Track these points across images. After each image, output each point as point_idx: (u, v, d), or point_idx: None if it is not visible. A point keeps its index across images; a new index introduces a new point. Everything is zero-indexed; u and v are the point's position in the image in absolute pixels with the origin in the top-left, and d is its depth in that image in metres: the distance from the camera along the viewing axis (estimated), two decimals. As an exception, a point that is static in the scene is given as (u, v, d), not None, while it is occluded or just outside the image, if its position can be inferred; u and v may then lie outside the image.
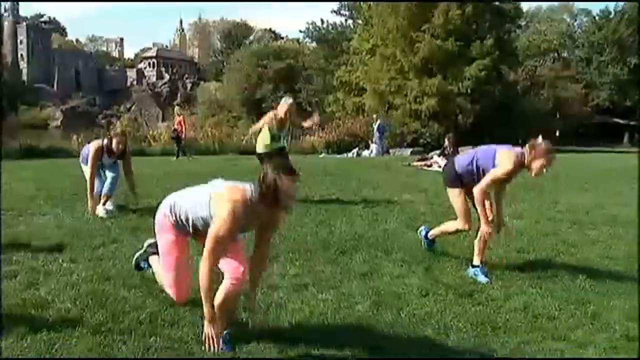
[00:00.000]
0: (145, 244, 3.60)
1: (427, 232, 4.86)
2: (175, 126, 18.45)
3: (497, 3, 35.84)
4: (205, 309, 2.84)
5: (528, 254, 5.09)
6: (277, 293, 3.75)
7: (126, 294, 3.56)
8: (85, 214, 6.08)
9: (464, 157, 4.55)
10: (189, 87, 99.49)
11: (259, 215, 2.88)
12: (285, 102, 7.36)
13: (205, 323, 2.87)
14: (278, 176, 2.72)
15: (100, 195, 6.33)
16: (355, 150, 22.13)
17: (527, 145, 4.14)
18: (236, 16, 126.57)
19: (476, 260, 4.33)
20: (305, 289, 3.88)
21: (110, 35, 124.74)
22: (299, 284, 3.98)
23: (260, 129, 7.15)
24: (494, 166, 4.18)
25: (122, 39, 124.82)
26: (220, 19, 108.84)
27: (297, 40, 71.96)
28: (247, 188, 2.85)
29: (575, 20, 63.30)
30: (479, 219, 4.31)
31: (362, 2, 48.46)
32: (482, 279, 4.22)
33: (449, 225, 4.65)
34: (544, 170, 4.11)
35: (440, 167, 11.54)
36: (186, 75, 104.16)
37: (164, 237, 3.14)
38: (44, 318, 3.12)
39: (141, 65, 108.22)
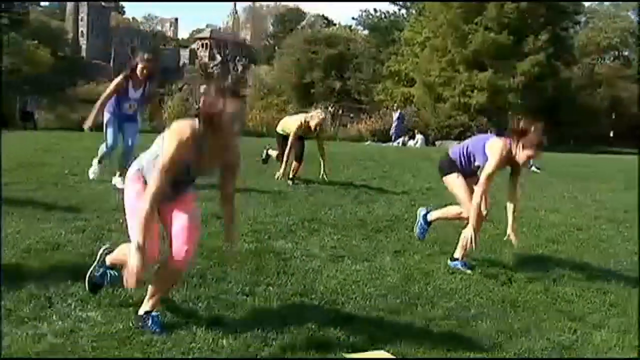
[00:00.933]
0: (99, 254, 3.19)
1: (426, 213, 4.70)
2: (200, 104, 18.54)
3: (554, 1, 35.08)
4: (139, 236, 2.61)
5: (557, 244, 5.28)
6: (315, 261, 4.09)
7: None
8: (93, 174, 6.41)
9: (456, 145, 4.57)
10: (240, 69, 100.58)
11: (209, 145, 2.71)
12: (318, 116, 7.46)
13: (133, 251, 2.62)
14: (218, 97, 2.62)
15: (112, 156, 6.26)
16: (400, 140, 22.21)
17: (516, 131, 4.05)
18: (289, 1, 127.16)
19: (457, 254, 4.33)
20: (341, 260, 4.20)
21: (166, 16, 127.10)
22: (336, 255, 4.31)
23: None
24: (483, 154, 4.14)
25: (176, 19, 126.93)
26: (274, 3, 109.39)
27: (349, 27, 71.87)
28: (195, 120, 2.71)
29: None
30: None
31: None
32: (464, 269, 4.24)
33: (451, 210, 4.52)
34: (530, 160, 4.18)
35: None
36: (238, 58, 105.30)
37: (131, 188, 2.87)
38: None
39: (194, 46, 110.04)
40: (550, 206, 7.23)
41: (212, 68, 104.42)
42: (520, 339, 3.10)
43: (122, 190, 3.05)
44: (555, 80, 33.51)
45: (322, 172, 7.38)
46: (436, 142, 25.91)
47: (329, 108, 30.87)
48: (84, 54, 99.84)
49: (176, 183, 2.76)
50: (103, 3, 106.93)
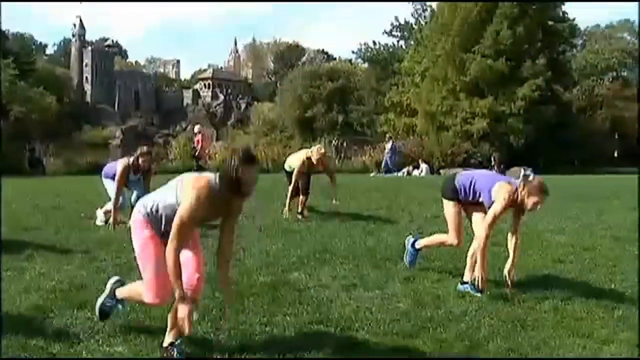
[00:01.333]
0: (108, 285, 3.43)
1: (414, 241, 4.92)
2: (195, 144, 18.33)
3: (550, 23, 35.62)
4: (176, 289, 2.83)
5: (564, 264, 5.39)
6: (328, 291, 4.22)
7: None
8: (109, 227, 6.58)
9: (466, 175, 4.68)
10: (242, 107, 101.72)
11: (222, 203, 2.96)
12: (319, 151, 7.77)
13: (178, 303, 2.85)
14: (238, 165, 2.82)
15: (125, 206, 6.74)
16: (405, 170, 22.42)
17: (520, 180, 4.17)
18: (289, 37, 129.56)
19: (466, 277, 4.50)
20: (354, 288, 4.34)
21: (167, 57, 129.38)
22: (348, 284, 4.44)
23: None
24: (488, 195, 4.27)
25: (178, 61, 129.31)
26: (273, 41, 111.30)
27: (350, 60, 73.02)
28: (211, 177, 2.96)
29: (637, 38, 61.43)
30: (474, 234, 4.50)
31: (414, 25, 49.05)
32: (474, 292, 4.35)
33: (439, 238, 4.75)
34: (537, 207, 4.19)
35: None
36: (240, 96, 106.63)
37: (140, 234, 3.09)
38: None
39: (197, 86, 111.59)
40: (555, 227, 7.35)
41: (215, 107, 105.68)
42: (529, 351, 3.20)
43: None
44: (556, 103, 33.73)
45: (333, 199, 7.64)
46: (441, 171, 26.02)
47: (332, 141, 31.23)
48: (88, 99, 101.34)
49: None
50: (107, 49, 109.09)
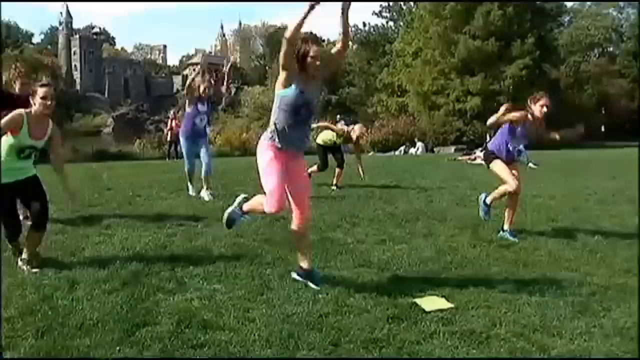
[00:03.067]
0: (237, 199, 4.26)
1: (485, 197, 5.92)
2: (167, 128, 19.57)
3: (538, 2, 36.46)
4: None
5: (556, 222, 6.38)
6: (364, 245, 5.17)
7: (247, 241, 5.03)
8: (198, 198, 7.61)
9: (493, 143, 5.84)
10: (233, 92, 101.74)
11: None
12: (360, 129, 9.05)
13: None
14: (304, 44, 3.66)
15: (198, 175, 7.72)
16: (402, 148, 23.37)
17: (528, 103, 5.54)
18: (277, 20, 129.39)
19: (506, 226, 5.63)
20: (384, 243, 5.28)
21: (154, 43, 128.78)
22: (378, 240, 5.38)
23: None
24: (509, 133, 5.59)
25: (165, 46, 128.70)
26: (261, 23, 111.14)
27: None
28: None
29: (622, 14, 62.32)
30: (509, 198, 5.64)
31: (404, 4, 49.61)
32: (511, 238, 5.49)
33: (501, 189, 5.70)
34: (544, 109, 5.43)
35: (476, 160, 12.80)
36: (230, 80, 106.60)
37: (265, 154, 3.79)
38: (206, 256, 4.58)
39: (186, 72, 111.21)
40: (547, 194, 8.34)
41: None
42: (532, 285, 4.16)
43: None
44: (544, 81, 34.74)
45: (360, 173, 8.76)
46: (435, 149, 27.02)
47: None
48: (78, 87, 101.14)
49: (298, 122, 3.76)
50: (94, 36, 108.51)
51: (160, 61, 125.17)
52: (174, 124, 19.41)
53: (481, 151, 15.53)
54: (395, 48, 42.41)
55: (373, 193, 8.14)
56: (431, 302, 3.69)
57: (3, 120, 4.11)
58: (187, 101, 7.83)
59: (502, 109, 5.49)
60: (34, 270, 4.14)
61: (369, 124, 33.18)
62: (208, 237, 5.27)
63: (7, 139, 4.19)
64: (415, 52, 37.22)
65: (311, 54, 3.68)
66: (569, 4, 58.50)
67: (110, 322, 3.22)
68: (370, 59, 53.50)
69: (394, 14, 53.18)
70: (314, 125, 8.85)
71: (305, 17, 3.54)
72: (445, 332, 3.21)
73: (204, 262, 4.42)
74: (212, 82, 8.19)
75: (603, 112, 53.16)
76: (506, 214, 5.70)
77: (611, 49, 61.88)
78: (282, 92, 3.74)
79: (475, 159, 14.82)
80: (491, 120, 5.54)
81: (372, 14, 54.70)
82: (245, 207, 4.19)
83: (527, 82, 32.71)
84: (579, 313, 3.59)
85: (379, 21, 55.50)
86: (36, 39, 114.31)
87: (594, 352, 3.03)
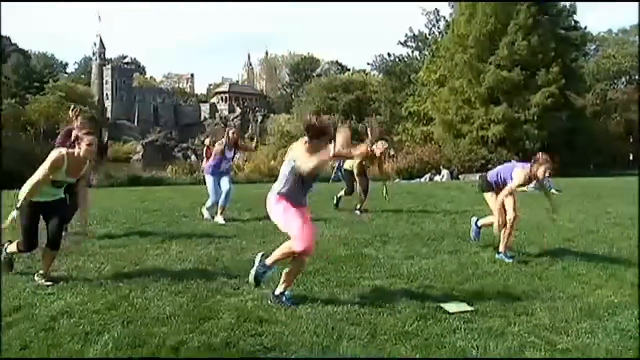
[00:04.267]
0: (257, 259, 4.37)
1: (477, 220, 6.56)
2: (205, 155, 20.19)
3: (563, 32, 36.88)
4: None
5: (571, 241, 6.84)
6: (394, 260, 5.71)
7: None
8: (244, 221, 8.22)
9: (492, 172, 6.32)
10: (259, 120, 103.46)
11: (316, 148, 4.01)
12: (383, 145, 9.51)
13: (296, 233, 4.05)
14: (311, 117, 4.15)
15: (218, 204, 8.27)
16: (427, 176, 23.82)
17: (532, 162, 5.83)
18: (303, 50, 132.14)
19: (500, 248, 5.99)
20: (412, 258, 5.82)
21: (182, 72, 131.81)
22: (407, 256, 5.92)
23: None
24: (511, 178, 5.87)
25: (192, 75, 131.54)
26: (288, 53, 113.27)
27: (364, 71, 74.57)
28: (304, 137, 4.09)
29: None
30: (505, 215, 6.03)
31: (428, 35, 50.46)
32: (506, 260, 5.83)
33: (489, 219, 6.32)
34: (547, 173, 5.74)
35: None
36: (256, 108, 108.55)
37: (277, 207, 4.16)
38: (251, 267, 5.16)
39: (214, 100, 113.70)
40: (567, 217, 8.77)
41: (232, 120, 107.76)
42: (546, 294, 4.65)
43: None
44: (569, 109, 34.91)
45: (384, 194, 9.22)
46: (460, 176, 27.39)
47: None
48: (109, 115, 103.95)
49: (304, 186, 4.18)
50: (126, 65, 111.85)
51: (188, 90, 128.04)
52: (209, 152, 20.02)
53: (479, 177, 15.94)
54: (420, 77, 43.07)
55: (400, 216, 8.68)
56: (454, 306, 4.22)
57: (47, 165, 4.60)
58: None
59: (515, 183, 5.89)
60: (47, 283, 4.59)
61: (395, 151, 33.82)
62: (254, 251, 5.85)
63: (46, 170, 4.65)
64: (440, 80, 37.84)
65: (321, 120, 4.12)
66: (594, 33, 58.78)
67: (181, 316, 3.83)
68: (395, 88, 54.24)
69: (419, 43, 54.02)
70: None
71: (321, 164, 4.01)
72: (466, 329, 3.74)
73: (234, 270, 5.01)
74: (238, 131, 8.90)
75: (631, 140, 52.81)
76: (501, 236, 6.02)
77: (638, 77, 61.63)
78: (297, 165, 4.07)
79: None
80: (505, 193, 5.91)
81: (397, 44, 55.62)
82: (269, 261, 4.32)
83: (553, 110, 33.02)
84: (585, 316, 4.08)
85: (404, 51, 56.32)
86: (70, 69, 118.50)
87: (594, 348, 3.52)
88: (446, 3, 48.32)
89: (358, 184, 9.33)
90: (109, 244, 6.15)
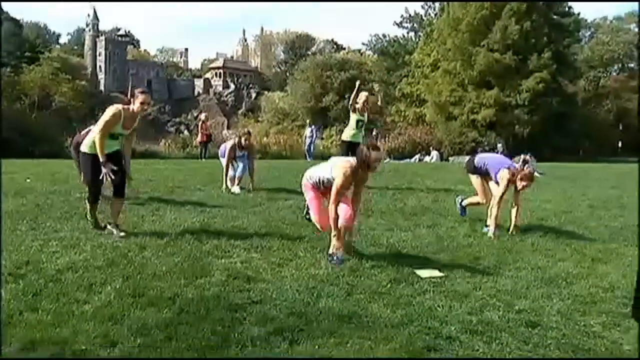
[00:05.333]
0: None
1: (462, 200, 7.04)
2: (200, 130, 20.54)
3: (556, 17, 37.13)
4: (333, 232, 4.83)
5: (545, 221, 7.25)
6: (376, 231, 6.09)
7: (277, 224, 5.98)
8: (224, 191, 8.56)
9: (480, 157, 6.76)
10: (253, 97, 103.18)
11: (359, 175, 4.91)
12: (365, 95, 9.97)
13: (334, 240, 4.86)
14: (368, 151, 4.80)
15: (235, 177, 8.82)
16: (417, 156, 24.20)
17: (519, 164, 6.42)
18: (298, 28, 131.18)
19: (488, 222, 6.47)
20: (392, 230, 6.21)
21: (176, 46, 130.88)
22: (388, 228, 6.31)
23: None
24: (495, 177, 6.38)
25: (186, 49, 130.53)
26: (283, 30, 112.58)
27: (359, 51, 74.48)
28: (353, 160, 4.91)
29: (643, 30, 62.18)
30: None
31: (424, 15, 50.50)
32: (491, 233, 6.29)
33: (473, 199, 6.85)
34: (524, 188, 6.29)
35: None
36: (251, 85, 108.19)
37: (308, 194, 5.23)
38: (243, 234, 5.54)
39: (208, 75, 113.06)
40: (544, 198, 9.17)
41: (225, 96, 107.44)
42: (512, 265, 5.06)
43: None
44: (560, 95, 35.35)
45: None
46: (450, 158, 27.80)
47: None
48: (102, 87, 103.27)
49: None
50: (120, 38, 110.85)
51: (182, 64, 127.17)
52: (204, 128, 20.22)
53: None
54: (414, 59, 43.29)
55: (386, 192, 9.05)
56: (426, 272, 4.62)
57: (106, 118, 5.22)
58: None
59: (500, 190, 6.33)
60: (122, 233, 5.23)
61: (387, 132, 34.18)
62: (244, 220, 6.26)
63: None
64: (434, 63, 38.11)
65: (372, 159, 4.76)
66: (589, 19, 59.01)
67: (176, 273, 4.21)
68: (389, 69, 54.37)
69: (415, 24, 54.08)
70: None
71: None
72: (434, 291, 4.14)
73: (243, 238, 5.40)
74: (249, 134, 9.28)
75: (620, 127, 53.40)
76: (489, 213, 6.52)
77: (632, 64, 62.00)
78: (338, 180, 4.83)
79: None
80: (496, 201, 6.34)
81: (393, 24, 55.72)
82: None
83: (544, 95, 33.44)
84: (545, 284, 4.50)
85: (400, 32, 56.37)
86: (63, 39, 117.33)
87: (547, 309, 3.92)
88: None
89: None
90: (108, 209, 6.48)
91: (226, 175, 8.77)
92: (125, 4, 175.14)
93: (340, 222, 4.83)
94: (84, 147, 5.39)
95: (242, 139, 8.97)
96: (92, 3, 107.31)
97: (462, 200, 7.08)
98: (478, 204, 6.82)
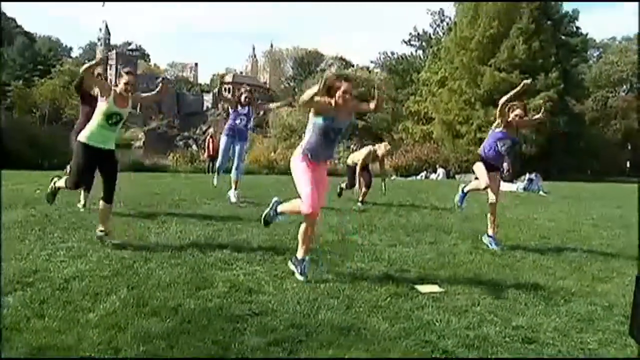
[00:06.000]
0: (272, 202, 5.05)
1: (463, 188, 7.11)
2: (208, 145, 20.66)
3: (563, 37, 37.29)
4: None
5: (546, 239, 7.30)
6: (378, 247, 6.16)
7: (280, 238, 6.06)
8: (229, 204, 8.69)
9: (484, 143, 6.83)
10: (261, 112, 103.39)
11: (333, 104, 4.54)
12: (385, 146, 10.36)
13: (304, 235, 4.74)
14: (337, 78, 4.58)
15: (226, 170, 8.84)
16: (423, 174, 24.27)
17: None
18: (307, 44, 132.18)
19: (490, 232, 6.57)
20: (395, 246, 6.27)
21: (187, 61, 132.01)
22: (390, 244, 6.38)
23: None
24: (493, 134, 6.60)
25: (196, 64, 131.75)
26: (292, 47, 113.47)
27: (367, 68, 74.94)
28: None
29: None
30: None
31: (432, 35, 50.85)
32: (492, 247, 6.42)
33: (474, 184, 6.88)
34: (517, 117, 6.44)
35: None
36: (259, 100, 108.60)
37: (300, 164, 4.62)
38: (247, 247, 5.62)
39: (217, 90, 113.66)
40: (548, 217, 9.23)
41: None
42: (512, 282, 5.11)
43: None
44: (567, 114, 35.38)
45: (383, 188, 9.86)
46: (456, 176, 27.83)
47: (351, 146, 33.17)
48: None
49: (326, 141, 4.64)
50: (130, 52, 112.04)
51: (191, 79, 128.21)
52: (212, 143, 20.55)
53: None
54: (422, 77, 43.53)
55: (390, 208, 9.15)
56: (426, 288, 4.68)
57: (100, 88, 5.51)
58: (228, 107, 8.98)
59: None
60: (115, 241, 5.34)
61: (394, 149, 34.29)
62: (248, 233, 6.35)
63: (99, 107, 5.48)
64: (441, 81, 38.29)
65: (343, 89, 4.56)
66: (597, 40, 59.17)
67: (180, 284, 4.29)
68: (398, 86, 54.69)
69: (423, 43, 54.47)
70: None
71: (319, 90, 4.38)
72: (433, 306, 4.19)
73: (246, 250, 5.48)
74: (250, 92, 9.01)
75: (629, 147, 53.28)
76: (488, 221, 6.67)
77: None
78: (316, 120, 4.63)
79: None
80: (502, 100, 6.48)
81: (402, 43, 56.14)
82: (280, 208, 5.00)
83: (551, 114, 33.44)
84: (543, 301, 4.54)
85: (408, 50, 56.78)
86: (74, 53, 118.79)
87: (544, 326, 3.97)
88: (451, 3, 48.67)
89: (361, 178, 9.79)
90: (114, 221, 6.59)
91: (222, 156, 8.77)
92: (137, 19, 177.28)
93: (306, 209, 4.50)
94: (81, 137, 5.52)
95: (243, 96, 8.73)
96: (104, 17, 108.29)
97: (464, 187, 7.11)
98: (478, 188, 6.83)
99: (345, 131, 4.81)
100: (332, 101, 4.58)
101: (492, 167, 6.64)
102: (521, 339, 3.67)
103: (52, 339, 3.12)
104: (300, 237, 4.83)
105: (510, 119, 6.49)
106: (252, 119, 8.90)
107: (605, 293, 4.91)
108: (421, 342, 3.49)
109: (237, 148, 8.82)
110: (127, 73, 5.60)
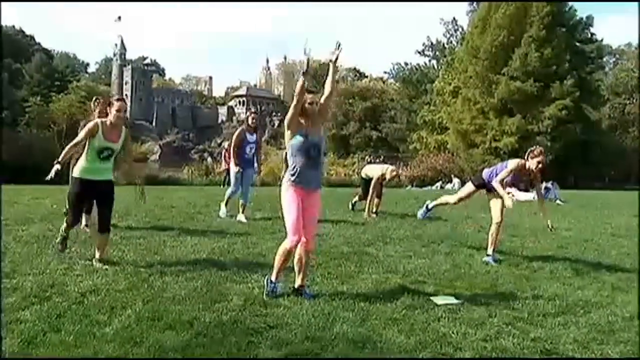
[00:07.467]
0: (264, 284, 4.56)
1: (429, 204, 7.25)
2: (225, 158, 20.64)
3: (578, 44, 37.00)
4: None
5: (564, 248, 7.21)
6: (393, 258, 6.13)
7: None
8: (221, 216, 8.74)
9: (488, 170, 6.70)
10: (276, 124, 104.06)
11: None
12: (393, 170, 10.32)
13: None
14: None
15: (238, 199, 8.70)
16: (438, 184, 24.14)
17: (526, 155, 6.29)
18: (320, 57, 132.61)
19: (489, 251, 6.39)
20: (410, 258, 6.23)
21: (201, 74, 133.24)
22: (405, 255, 6.34)
23: None
24: (501, 167, 6.44)
25: (211, 78, 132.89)
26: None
27: (381, 79, 75.00)
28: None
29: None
30: (491, 220, 6.50)
31: (446, 45, 50.81)
32: (492, 263, 6.20)
33: (443, 199, 7.07)
34: (539, 165, 6.15)
35: (514, 196, 13.54)
36: (273, 113, 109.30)
37: (287, 193, 4.48)
38: (262, 260, 5.61)
39: (231, 103, 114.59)
40: (566, 226, 9.12)
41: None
42: (530, 292, 5.04)
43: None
44: (583, 122, 34.99)
45: (373, 207, 9.89)
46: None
47: (366, 158, 33.14)
48: (127, 115, 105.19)
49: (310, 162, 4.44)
50: (145, 67, 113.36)
51: (206, 92, 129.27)
52: (227, 156, 20.46)
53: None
54: (436, 87, 43.47)
55: (405, 219, 9.10)
56: (442, 299, 4.64)
57: (82, 131, 5.35)
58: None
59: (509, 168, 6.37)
60: (105, 267, 5.11)
61: (409, 159, 34.19)
62: (262, 247, 6.35)
63: (90, 142, 5.31)
64: (455, 90, 38.20)
65: (308, 101, 4.49)
66: (613, 46, 58.70)
67: (195, 297, 4.30)
68: (411, 96, 54.63)
69: (437, 52, 54.41)
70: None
71: (300, 92, 4.41)
72: (449, 318, 4.15)
73: (261, 264, 5.49)
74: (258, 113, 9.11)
75: (647, 155, 52.53)
76: (489, 240, 6.46)
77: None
78: (292, 141, 4.42)
79: (509, 193, 15.54)
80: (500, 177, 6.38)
81: (415, 53, 56.07)
82: (273, 276, 4.57)
83: (567, 122, 33.16)
84: (562, 312, 4.48)
85: (422, 60, 56.74)
86: (91, 69, 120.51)
87: (564, 337, 3.91)
88: (463, 12, 48.64)
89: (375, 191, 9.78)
90: (130, 235, 6.64)
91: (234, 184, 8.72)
92: (152, 34, 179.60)
93: (290, 242, 4.45)
94: (75, 172, 5.43)
95: (250, 119, 8.68)
96: (119, 32, 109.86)
97: (429, 203, 7.30)
98: (446, 203, 7.05)
99: (324, 148, 4.70)
100: (302, 120, 4.48)
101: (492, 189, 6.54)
102: (540, 351, 3.62)
103: (68, 353, 3.14)
104: (296, 267, 4.66)
105: (530, 167, 6.28)
106: (260, 146, 8.95)
107: (625, 303, 4.83)
108: (438, 354, 3.45)
109: (247, 177, 8.79)
110: (117, 100, 5.41)
